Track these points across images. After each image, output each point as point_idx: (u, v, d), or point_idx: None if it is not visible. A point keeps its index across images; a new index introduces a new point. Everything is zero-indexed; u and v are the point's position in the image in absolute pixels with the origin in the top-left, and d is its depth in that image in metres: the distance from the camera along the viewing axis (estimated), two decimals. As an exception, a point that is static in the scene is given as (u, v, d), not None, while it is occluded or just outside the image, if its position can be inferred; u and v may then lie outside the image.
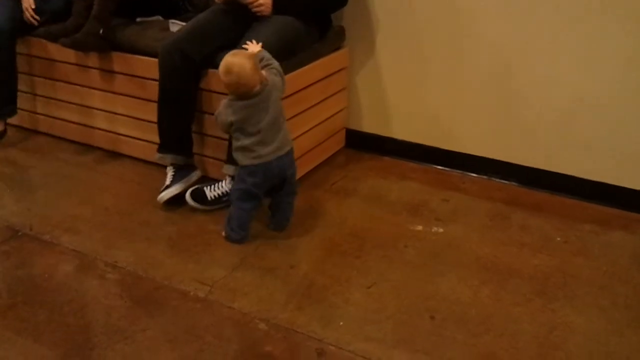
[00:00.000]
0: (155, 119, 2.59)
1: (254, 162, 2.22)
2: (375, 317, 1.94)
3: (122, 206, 2.58)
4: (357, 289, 2.07)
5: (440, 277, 2.14)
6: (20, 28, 3.01)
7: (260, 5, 2.52)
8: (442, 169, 2.90)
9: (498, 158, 2.77)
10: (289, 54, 2.52)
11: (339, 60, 2.89)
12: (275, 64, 2.27)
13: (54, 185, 2.75)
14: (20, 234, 2.38)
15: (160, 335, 1.86)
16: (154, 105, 2.58)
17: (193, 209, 2.50)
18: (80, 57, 2.91)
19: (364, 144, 3.06)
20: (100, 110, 2.97)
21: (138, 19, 2.98)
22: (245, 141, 2.20)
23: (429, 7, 2.70)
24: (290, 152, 2.29)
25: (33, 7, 2.97)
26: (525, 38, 2.55)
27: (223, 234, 2.34)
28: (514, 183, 2.77)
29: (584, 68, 2.49)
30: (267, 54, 2.28)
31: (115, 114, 2.92)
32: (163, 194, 2.52)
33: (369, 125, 3.05)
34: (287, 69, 2.49)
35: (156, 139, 2.61)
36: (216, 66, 2.48)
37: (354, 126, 3.08)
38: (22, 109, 3.20)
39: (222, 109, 2.22)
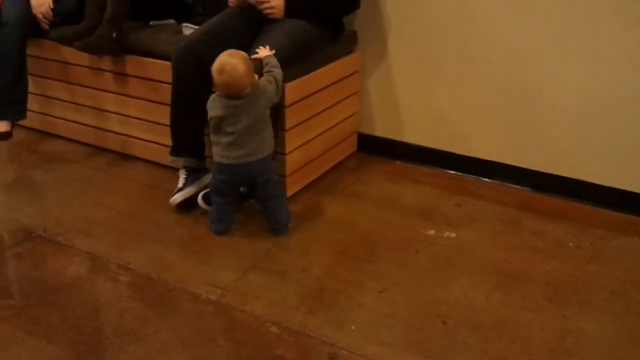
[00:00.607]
0: (167, 121, 2.60)
1: (223, 161, 2.28)
2: (387, 321, 1.94)
3: (134, 208, 2.59)
4: (369, 293, 2.07)
5: (452, 281, 2.13)
6: (32, 28, 3.00)
7: (272, 8, 2.53)
8: (454, 174, 2.90)
9: (511, 163, 2.76)
10: (301, 57, 2.52)
11: (351, 64, 2.89)
12: (276, 72, 2.29)
13: (67, 187, 2.77)
14: (34, 235, 2.40)
15: (173, 337, 1.87)
16: (167, 108, 2.59)
17: (205, 212, 2.50)
18: (94, 60, 2.93)
19: (376, 148, 3.06)
20: (113, 113, 2.98)
21: (151, 22, 3.00)
22: (220, 139, 2.26)
23: (440, 9, 2.70)
24: (265, 159, 2.29)
25: (52, 7, 2.98)
26: (539, 41, 2.54)
27: None
28: (526, 188, 2.75)
29: (598, 71, 2.48)
30: (273, 60, 2.30)
31: (128, 116, 2.93)
32: (175, 196, 2.53)
33: (381, 129, 3.04)
34: (299, 72, 2.50)
35: (168, 141, 2.62)
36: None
37: (366, 130, 3.08)
38: (35, 112, 3.23)
39: (209, 103, 2.27)
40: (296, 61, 2.45)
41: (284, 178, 2.56)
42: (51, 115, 3.24)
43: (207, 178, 2.63)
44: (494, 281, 2.14)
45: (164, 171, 2.84)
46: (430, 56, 2.80)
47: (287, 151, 2.55)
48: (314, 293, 2.06)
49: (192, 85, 2.47)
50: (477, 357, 1.80)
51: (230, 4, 2.64)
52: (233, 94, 2.20)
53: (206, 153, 2.63)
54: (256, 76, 2.24)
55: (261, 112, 2.26)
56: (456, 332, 1.89)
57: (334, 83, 2.77)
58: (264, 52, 2.31)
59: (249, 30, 2.54)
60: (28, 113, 3.09)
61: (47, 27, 3.01)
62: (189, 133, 2.57)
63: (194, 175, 2.58)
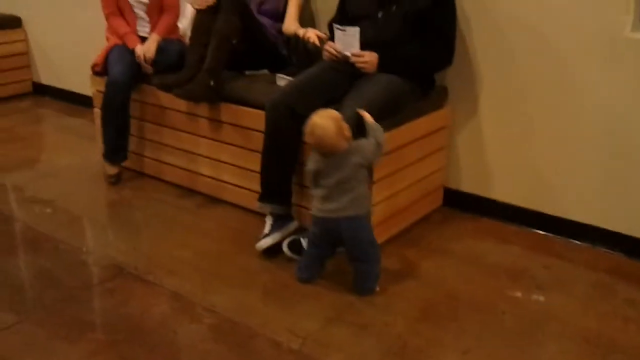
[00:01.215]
0: (257, 168, 2.67)
1: (316, 214, 2.32)
2: (470, 384, 1.89)
3: (221, 251, 2.65)
4: (452, 353, 2.02)
5: (539, 347, 2.06)
6: (136, 80, 3.21)
7: (366, 62, 2.57)
8: (543, 234, 2.82)
9: (604, 226, 2.67)
10: (391, 112, 2.55)
11: (440, 119, 2.89)
12: (378, 134, 2.31)
13: (158, 226, 2.87)
14: (125, 272, 2.48)
15: (253, 384, 1.88)
16: (258, 155, 2.66)
17: (289, 259, 2.53)
18: (191, 107, 3.05)
19: (462, 204, 3.03)
20: (206, 157, 3.09)
21: (246, 72, 3.11)
22: (316, 191, 2.32)
23: (534, 65, 2.68)
24: (355, 218, 2.27)
25: (153, 56, 3.16)
26: (638, 97, 2.48)
27: None
28: (620, 253, 2.65)
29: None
30: (375, 126, 2.32)
31: (220, 161, 3.03)
32: (261, 242, 2.57)
33: (468, 185, 3.01)
34: (389, 125, 2.52)
35: (257, 187, 2.69)
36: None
37: (452, 185, 3.06)
38: (131, 152, 3.39)
39: (310, 157, 2.34)
40: (387, 115, 2.48)
41: (368, 229, 2.56)
42: (147, 157, 3.39)
43: (293, 225, 2.66)
44: (583, 350, 2.05)
45: (252, 216, 2.89)
46: (522, 112, 2.76)
47: (373, 202, 2.55)
48: (396, 349, 2.04)
49: (284, 136, 2.54)
50: None
51: (324, 57, 2.71)
52: (326, 151, 2.25)
53: (293, 201, 2.68)
54: (349, 133, 2.26)
55: (355, 171, 2.26)
56: (543, 401, 1.82)
57: (422, 137, 2.78)
58: (369, 117, 2.36)
59: (342, 83, 2.59)
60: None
61: (150, 71, 3.17)
62: (278, 181, 2.62)
63: (280, 222, 2.63)
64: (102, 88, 3.23)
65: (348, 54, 2.59)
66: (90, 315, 2.22)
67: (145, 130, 3.34)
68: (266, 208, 2.65)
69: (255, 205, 2.69)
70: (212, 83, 2.88)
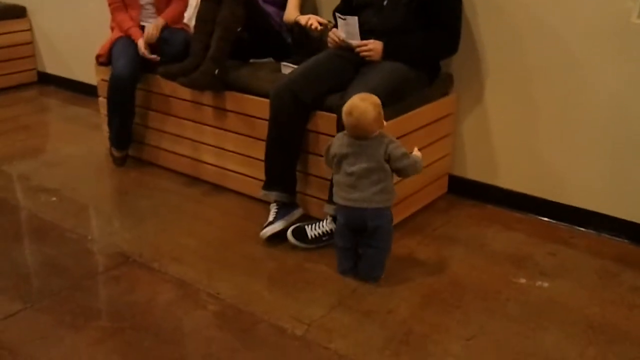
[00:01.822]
0: (262, 156, 2.67)
1: (340, 203, 2.28)
2: (474, 370, 1.89)
3: (226, 239, 2.65)
4: (456, 340, 2.02)
5: (543, 333, 2.06)
6: (141, 71, 3.22)
7: (370, 50, 2.57)
8: (548, 221, 2.82)
9: (609, 213, 2.66)
10: (396, 99, 2.54)
11: (445, 107, 2.88)
12: (410, 170, 2.27)
13: (163, 214, 2.88)
14: (130, 260, 2.50)
15: (258, 370, 1.89)
16: (262, 144, 2.67)
17: (293, 246, 2.54)
18: (195, 95, 3.05)
19: (467, 191, 3.02)
20: (211, 145, 3.09)
21: (251, 60, 3.11)
22: (339, 178, 2.28)
23: (540, 52, 2.66)
24: (379, 210, 2.26)
25: (154, 40, 3.18)
26: (643, 90, 2.47)
27: None
28: (625, 240, 2.64)
29: None
30: (412, 160, 2.27)
31: (225, 149, 3.03)
32: (266, 229, 2.58)
33: (473, 172, 3.01)
34: (394, 113, 2.51)
35: (262, 175, 2.69)
36: (325, 109, 2.55)
37: (457, 172, 3.06)
38: (136, 141, 3.39)
39: (335, 140, 2.29)
40: (392, 102, 2.47)
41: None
42: (152, 145, 3.39)
43: (297, 213, 2.67)
44: (588, 336, 2.05)
45: (256, 204, 2.90)
46: (527, 100, 2.75)
47: (377, 190, 2.55)
48: (400, 335, 2.04)
49: (288, 124, 2.54)
50: (569, 415, 1.73)
51: (329, 45, 2.70)
52: (359, 135, 2.22)
53: (297, 189, 2.68)
54: (384, 122, 2.24)
55: (381, 164, 2.23)
56: (547, 387, 1.83)
57: (427, 124, 2.77)
58: (417, 152, 2.33)
59: (346, 71, 2.59)
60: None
61: (156, 60, 3.18)
62: (282, 169, 2.63)
63: (284, 209, 2.63)
64: (107, 77, 3.24)
65: (351, 42, 2.58)
66: (95, 303, 2.24)
67: (150, 118, 3.34)
68: (270, 196, 2.66)
69: (260, 193, 2.70)
70: (216, 72, 2.87)
